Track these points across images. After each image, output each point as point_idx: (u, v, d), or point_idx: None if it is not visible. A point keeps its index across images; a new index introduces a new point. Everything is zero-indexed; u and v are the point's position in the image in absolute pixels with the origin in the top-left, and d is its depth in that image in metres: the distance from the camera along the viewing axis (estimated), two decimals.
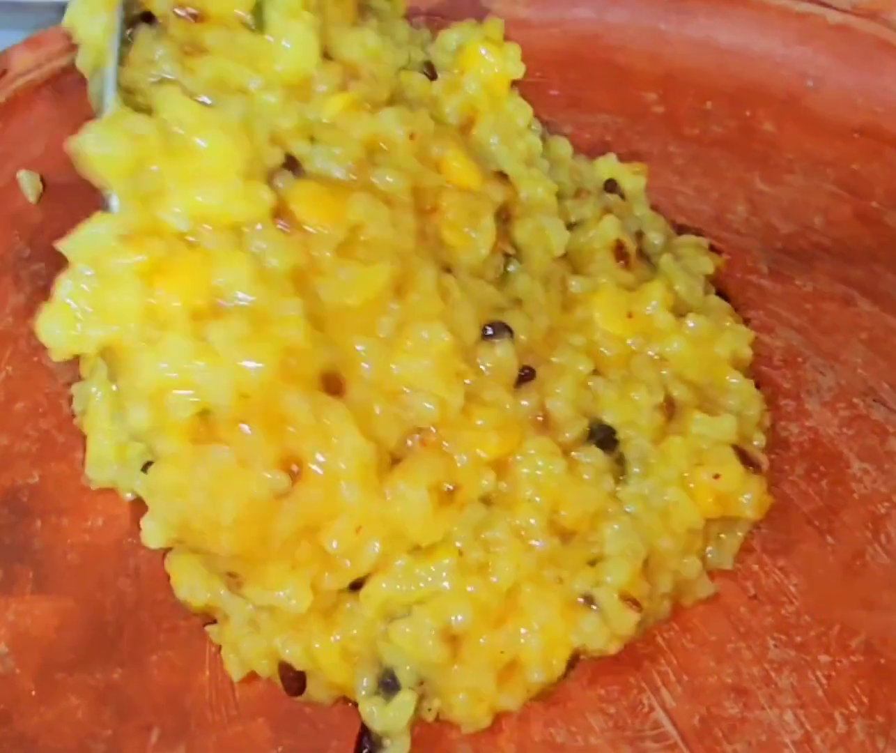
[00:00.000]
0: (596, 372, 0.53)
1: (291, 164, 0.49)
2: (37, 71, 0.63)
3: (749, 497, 0.51)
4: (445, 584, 0.47)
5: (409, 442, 0.48)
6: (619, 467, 0.51)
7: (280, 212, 0.47)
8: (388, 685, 0.47)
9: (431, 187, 0.53)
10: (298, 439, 0.45)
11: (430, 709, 0.48)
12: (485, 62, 0.59)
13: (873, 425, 0.55)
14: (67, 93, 0.63)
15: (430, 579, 0.47)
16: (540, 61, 0.64)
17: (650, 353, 0.54)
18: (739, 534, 0.52)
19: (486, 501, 0.49)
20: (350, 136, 0.51)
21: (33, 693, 0.47)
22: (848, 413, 0.56)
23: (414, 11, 0.67)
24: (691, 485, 0.51)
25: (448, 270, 0.51)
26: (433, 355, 0.48)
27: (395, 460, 0.47)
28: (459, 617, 0.47)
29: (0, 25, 0.65)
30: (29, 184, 0.61)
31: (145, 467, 0.49)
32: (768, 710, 0.47)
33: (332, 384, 0.46)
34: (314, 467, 0.45)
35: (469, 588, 0.47)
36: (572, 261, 0.57)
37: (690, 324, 0.55)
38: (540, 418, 0.51)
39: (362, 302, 0.48)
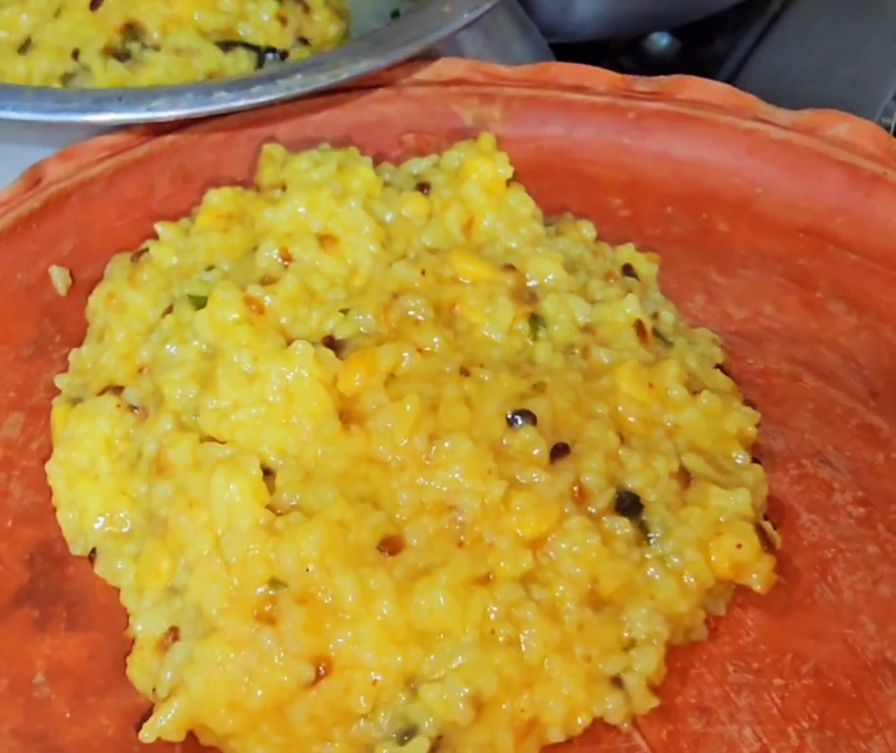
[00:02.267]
0: (621, 440, 0.59)
1: (331, 344, 0.60)
2: (67, 180, 0.70)
3: (758, 574, 0.56)
4: (474, 656, 0.51)
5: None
6: (642, 531, 0.56)
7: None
8: (406, 733, 0.51)
9: (450, 294, 0.63)
10: (334, 631, 0.51)
11: None
12: (481, 170, 0.69)
13: (820, 482, 0.62)
14: (94, 199, 0.72)
15: (459, 657, 0.51)
16: (516, 172, 0.72)
17: (667, 421, 0.61)
18: (732, 587, 0.58)
19: (523, 578, 0.53)
20: (373, 298, 0.62)
21: (68, 714, 0.53)
22: (797, 472, 0.62)
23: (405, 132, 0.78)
24: (713, 549, 0.56)
25: (470, 372, 0.59)
26: (462, 461, 0.55)
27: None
28: (486, 686, 0.51)
29: (37, 142, 0.72)
30: (59, 278, 0.69)
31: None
32: (728, 726, 0.53)
33: (390, 545, 0.53)
34: (341, 659, 0.51)
35: (497, 661, 0.51)
36: (599, 335, 0.65)
37: (704, 400, 0.61)
38: (576, 490, 0.56)
39: (408, 435, 0.56)
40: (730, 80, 1.10)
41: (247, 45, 0.80)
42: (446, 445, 0.55)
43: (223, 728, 0.51)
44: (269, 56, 0.81)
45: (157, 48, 0.78)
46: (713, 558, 0.56)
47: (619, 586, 0.54)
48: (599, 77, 0.79)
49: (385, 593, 0.52)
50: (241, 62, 0.79)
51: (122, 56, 0.78)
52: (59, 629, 0.56)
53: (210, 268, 0.65)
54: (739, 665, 0.55)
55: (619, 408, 0.61)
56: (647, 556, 0.56)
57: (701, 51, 1.18)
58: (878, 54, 1.13)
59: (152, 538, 0.56)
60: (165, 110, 0.71)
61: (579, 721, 0.52)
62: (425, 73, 0.78)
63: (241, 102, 0.71)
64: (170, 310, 0.64)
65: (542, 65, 0.79)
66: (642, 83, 0.78)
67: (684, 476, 0.59)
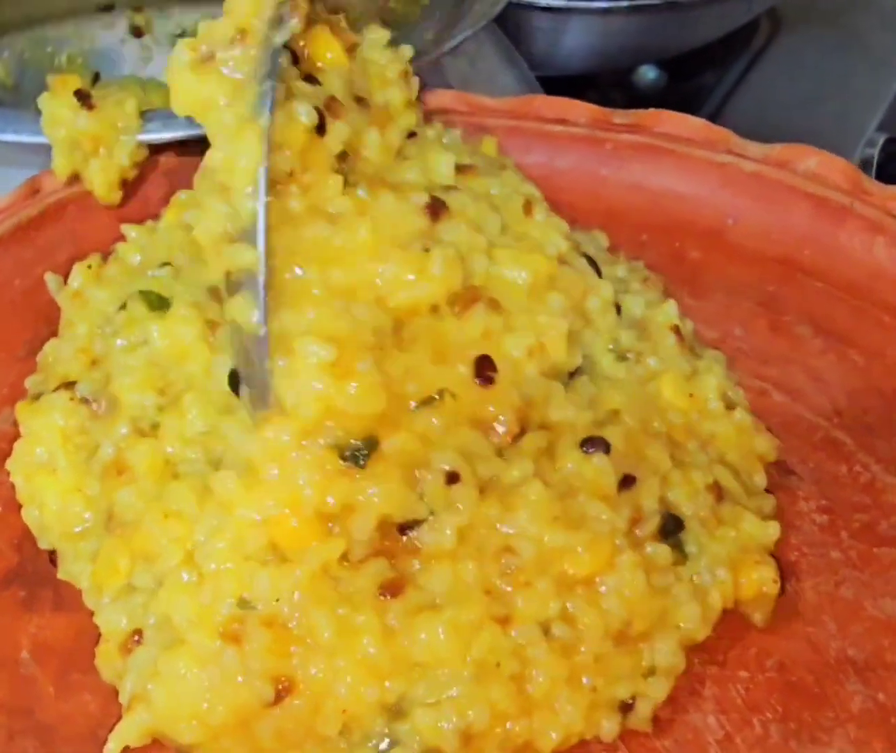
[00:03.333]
0: (672, 458, 0.60)
1: None
2: (63, 191, 0.74)
3: (763, 607, 0.58)
4: (470, 689, 0.51)
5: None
6: (678, 550, 0.57)
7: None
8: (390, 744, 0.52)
9: None
10: (302, 657, 0.51)
11: None
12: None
13: (785, 490, 0.64)
14: (90, 209, 0.74)
15: (455, 688, 0.51)
16: None
17: (704, 432, 0.63)
18: None
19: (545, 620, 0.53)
20: None
21: (52, 690, 0.54)
22: None
23: None
24: (743, 572, 0.57)
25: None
26: (529, 506, 0.55)
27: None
28: (478, 719, 0.51)
29: (40, 166, 0.75)
30: (54, 284, 0.71)
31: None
32: (693, 714, 0.54)
33: (392, 588, 0.53)
34: (306, 685, 0.51)
35: (493, 696, 0.51)
36: (646, 333, 0.67)
37: (738, 416, 0.64)
38: (636, 516, 0.57)
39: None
40: (716, 112, 1.15)
41: None
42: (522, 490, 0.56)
43: (185, 739, 0.52)
44: None
45: None
46: (742, 580, 0.58)
47: (652, 624, 0.55)
48: (580, 110, 0.82)
49: (369, 631, 0.52)
50: None
51: None
52: (45, 609, 0.58)
53: (165, 264, 0.67)
54: (704, 657, 0.57)
55: (671, 418, 0.62)
56: (681, 573, 0.56)
57: (688, 83, 1.22)
58: (861, 86, 1.17)
59: (110, 538, 0.57)
60: (159, 133, 0.74)
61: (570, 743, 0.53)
62: None
63: None
64: (124, 306, 0.65)
65: (525, 97, 0.83)
66: (620, 116, 0.81)
67: (717, 490, 0.60)
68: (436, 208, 0.63)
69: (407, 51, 0.70)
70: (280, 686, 0.51)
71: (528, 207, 0.69)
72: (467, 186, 0.68)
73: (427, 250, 0.60)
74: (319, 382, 0.54)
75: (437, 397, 0.57)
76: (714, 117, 1.12)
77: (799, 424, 0.68)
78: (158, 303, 0.63)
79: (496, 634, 0.52)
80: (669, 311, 0.68)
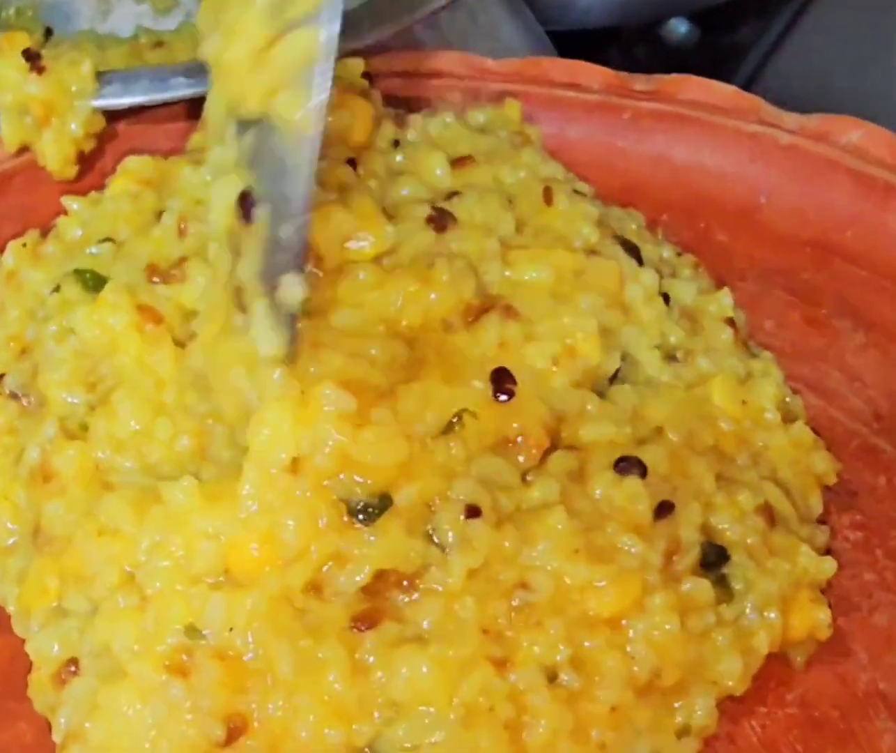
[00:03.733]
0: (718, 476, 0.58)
1: None
2: (9, 161, 0.73)
3: (804, 650, 0.57)
4: (455, 734, 0.50)
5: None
6: (723, 587, 0.56)
7: None
8: None
9: None
10: (260, 694, 0.50)
11: None
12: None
13: None
14: (40, 182, 0.73)
15: (438, 733, 0.50)
16: None
17: (757, 442, 0.62)
18: None
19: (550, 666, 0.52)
20: None
21: None
22: None
23: None
24: (794, 611, 0.56)
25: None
26: (549, 536, 0.53)
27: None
28: None
29: None
30: None
31: None
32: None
33: (366, 619, 0.52)
34: (262, 724, 0.50)
35: (483, 744, 0.50)
36: (698, 326, 0.66)
37: (796, 430, 0.63)
38: (672, 548, 0.55)
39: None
40: (755, 73, 1.10)
41: None
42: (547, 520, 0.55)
43: None
44: None
45: None
46: (793, 622, 0.56)
47: (685, 673, 0.54)
48: (594, 74, 0.81)
49: (335, 666, 0.51)
50: None
51: None
52: None
53: (106, 240, 0.66)
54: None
55: (720, 426, 0.61)
56: (724, 613, 0.55)
57: (723, 39, 1.18)
58: None
59: (38, 555, 0.56)
60: (118, 97, 0.73)
61: None
62: (406, 63, 0.80)
63: (202, 89, 0.73)
64: (58, 288, 0.64)
65: (532, 59, 0.82)
66: (640, 82, 0.80)
67: (768, 513, 0.58)
68: (440, 220, 0.63)
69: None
70: (232, 725, 0.51)
71: (547, 195, 0.68)
72: (470, 182, 0.68)
73: (431, 265, 0.60)
74: (338, 432, 0.53)
75: (455, 421, 0.56)
76: (752, 80, 1.09)
77: (834, 429, 0.67)
78: (94, 283, 0.62)
79: (489, 675, 0.51)
80: (724, 300, 0.67)
